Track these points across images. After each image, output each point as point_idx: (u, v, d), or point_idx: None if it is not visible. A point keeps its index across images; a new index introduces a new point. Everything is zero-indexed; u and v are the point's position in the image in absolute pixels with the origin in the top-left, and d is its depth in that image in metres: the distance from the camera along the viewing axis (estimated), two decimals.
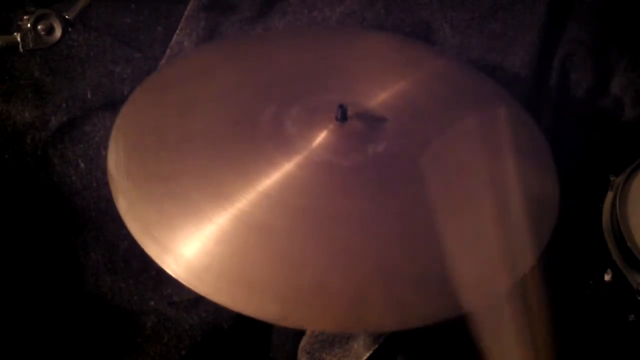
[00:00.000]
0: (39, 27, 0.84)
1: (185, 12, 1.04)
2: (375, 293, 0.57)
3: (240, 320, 0.92)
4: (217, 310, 0.91)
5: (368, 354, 0.80)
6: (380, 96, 0.76)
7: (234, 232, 0.60)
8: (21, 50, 0.84)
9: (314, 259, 0.59)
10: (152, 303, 0.90)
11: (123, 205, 0.62)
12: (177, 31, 1.04)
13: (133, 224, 0.61)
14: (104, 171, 0.73)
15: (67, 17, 0.86)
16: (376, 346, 0.80)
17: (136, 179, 0.65)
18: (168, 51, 1.03)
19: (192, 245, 0.59)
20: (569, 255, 0.85)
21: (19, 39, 0.83)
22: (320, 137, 0.68)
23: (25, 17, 0.84)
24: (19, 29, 0.84)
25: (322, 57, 0.84)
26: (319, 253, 0.60)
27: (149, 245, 0.59)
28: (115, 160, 0.67)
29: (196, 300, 0.91)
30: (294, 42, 0.92)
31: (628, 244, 0.74)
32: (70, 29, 0.87)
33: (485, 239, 0.63)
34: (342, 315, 0.57)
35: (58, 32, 0.85)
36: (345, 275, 0.58)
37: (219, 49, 0.93)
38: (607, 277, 0.77)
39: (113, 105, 0.98)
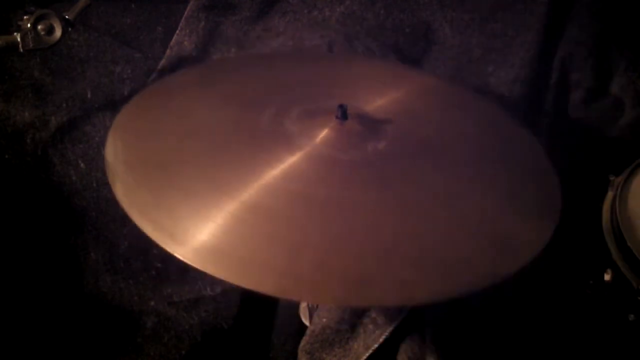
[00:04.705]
0: (39, 27, 0.84)
1: (185, 12, 1.04)
2: (374, 270, 0.58)
3: (240, 320, 0.92)
4: (217, 310, 0.91)
5: (368, 354, 0.80)
6: (377, 102, 0.77)
7: (234, 214, 0.60)
8: (21, 50, 0.84)
9: (314, 239, 0.60)
10: (152, 303, 0.91)
11: (121, 192, 0.63)
12: (177, 31, 1.04)
13: (132, 208, 0.61)
14: (104, 171, 0.73)
15: (67, 17, 0.86)
16: (376, 346, 0.80)
17: (136, 167, 0.65)
18: (168, 51, 1.03)
19: (192, 226, 0.59)
20: (569, 255, 0.85)
21: (19, 39, 0.83)
22: (322, 135, 0.68)
23: (25, 17, 0.84)
24: (19, 29, 0.84)
25: (320, 72, 0.86)
26: (319, 234, 0.60)
27: (149, 227, 0.59)
28: (114, 150, 0.67)
29: (196, 300, 0.91)
30: (293, 60, 0.94)
31: (628, 244, 0.74)
32: (70, 29, 0.87)
33: (485, 225, 0.63)
34: (341, 290, 0.57)
35: (58, 32, 0.85)
36: (345, 254, 0.59)
37: (220, 63, 0.94)
38: (607, 277, 0.77)
39: (113, 105, 0.98)
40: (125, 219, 0.61)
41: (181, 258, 0.57)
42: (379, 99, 0.78)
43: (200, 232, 0.59)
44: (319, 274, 0.57)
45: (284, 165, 0.65)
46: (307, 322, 0.86)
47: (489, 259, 0.61)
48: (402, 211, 0.64)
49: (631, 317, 0.76)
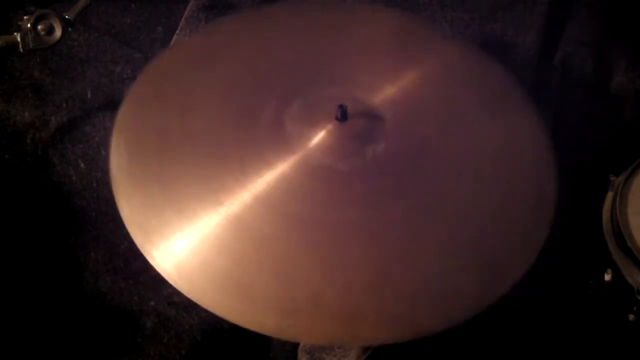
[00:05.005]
0: (39, 27, 0.84)
1: (185, 12, 1.04)
2: (369, 307, 0.57)
3: None
4: None
5: (368, 354, 0.80)
6: (383, 89, 0.74)
7: (232, 242, 0.60)
8: (21, 50, 0.84)
9: (309, 270, 0.59)
10: (152, 303, 0.90)
11: (126, 211, 0.62)
12: (177, 31, 1.04)
13: (136, 231, 0.61)
14: (104, 171, 0.73)
15: (67, 17, 0.86)
16: (376, 346, 0.80)
17: (138, 183, 0.65)
18: None
19: (191, 256, 0.60)
20: (569, 255, 0.85)
21: (19, 39, 0.83)
22: (320, 141, 0.67)
23: (25, 17, 0.84)
24: (19, 29, 0.84)
25: (326, 41, 0.81)
26: (314, 264, 0.59)
27: (151, 254, 0.60)
28: (118, 164, 0.66)
29: None
30: (295, 23, 0.85)
31: (628, 244, 0.74)
32: (70, 29, 0.87)
33: (480, 248, 0.63)
34: (336, 329, 0.57)
35: (58, 32, 0.85)
36: (340, 288, 0.58)
37: (218, 33, 0.86)
38: (607, 277, 0.76)
39: (113, 105, 0.98)
40: None
41: (186, 294, 0.58)
42: (385, 84, 0.74)
43: (200, 266, 0.59)
44: (314, 312, 0.56)
45: (283, 181, 0.64)
46: None
47: (481, 284, 0.60)
48: (398, 232, 0.63)
49: (631, 317, 0.76)
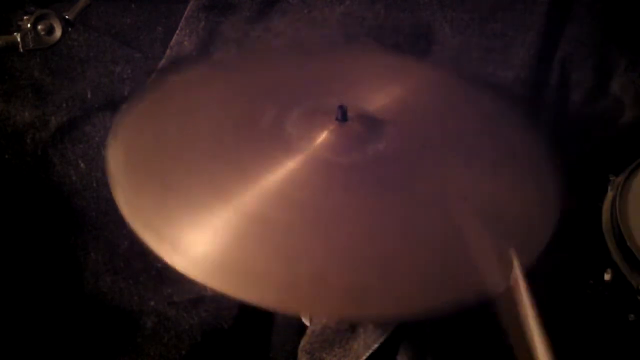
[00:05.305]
0: (39, 27, 0.84)
1: (185, 12, 1.04)
2: (372, 283, 0.58)
3: (240, 321, 0.92)
4: (217, 310, 0.91)
5: (368, 354, 0.80)
6: (378, 101, 0.76)
7: (234, 224, 0.60)
8: (21, 50, 0.84)
9: (312, 249, 0.60)
10: (152, 303, 0.91)
11: (122, 200, 0.63)
12: (177, 31, 1.04)
13: (133, 217, 0.61)
14: (104, 171, 0.72)
15: (67, 17, 0.86)
16: (376, 346, 0.80)
17: (137, 175, 0.66)
18: (168, 51, 1.03)
19: (193, 236, 0.60)
20: (569, 255, 0.85)
21: (19, 39, 0.83)
22: (321, 138, 0.68)
23: (25, 17, 0.84)
24: (19, 29, 0.84)
25: (322, 67, 0.85)
26: (317, 244, 0.60)
27: (149, 236, 0.60)
28: (115, 159, 0.67)
29: (196, 300, 0.91)
30: (293, 55, 0.92)
31: (628, 244, 0.74)
32: (70, 29, 0.87)
33: (483, 233, 0.63)
34: (339, 304, 0.57)
35: (58, 32, 0.85)
36: (343, 265, 0.59)
37: (221, 60, 0.93)
38: (607, 277, 0.77)
39: (113, 105, 0.98)
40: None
41: (182, 270, 0.57)
42: (381, 96, 0.77)
43: (200, 243, 0.59)
44: (317, 287, 0.57)
45: (284, 172, 0.64)
46: (307, 322, 0.86)
47: (487, 268, 0.61)
48: (399, 217, 0.64)
49: (631, 317, 0.76)
